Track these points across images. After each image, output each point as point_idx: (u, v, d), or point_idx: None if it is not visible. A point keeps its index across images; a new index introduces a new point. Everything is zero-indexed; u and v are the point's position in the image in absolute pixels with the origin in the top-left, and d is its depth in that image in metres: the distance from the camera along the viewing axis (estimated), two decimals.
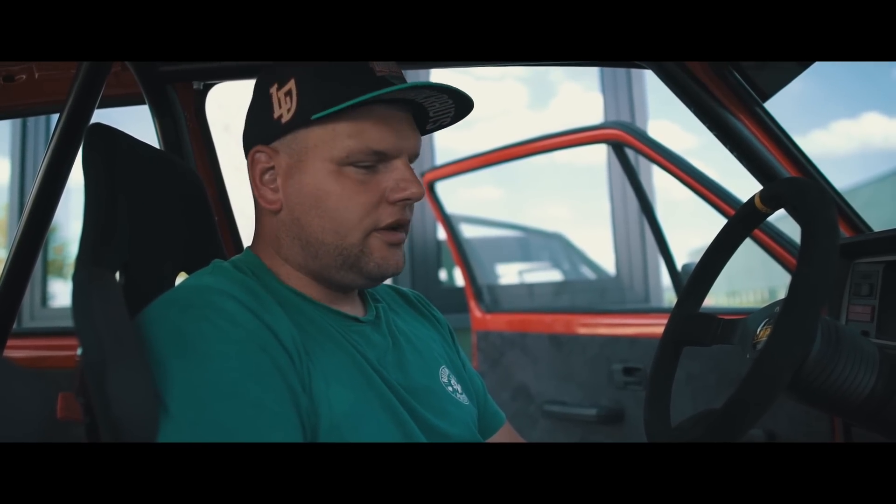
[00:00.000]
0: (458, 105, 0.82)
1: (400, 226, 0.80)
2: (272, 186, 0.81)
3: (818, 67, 1.09)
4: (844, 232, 1.18)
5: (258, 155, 0.81)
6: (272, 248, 0.83)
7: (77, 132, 1.00)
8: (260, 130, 0.81)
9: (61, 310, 3.82)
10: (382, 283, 0.86)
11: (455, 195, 2.78)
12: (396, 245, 0.80)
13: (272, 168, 0.80)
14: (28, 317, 3.69)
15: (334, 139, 0.77)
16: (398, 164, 0.79)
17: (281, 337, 0.71)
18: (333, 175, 0.77)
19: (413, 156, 0.81)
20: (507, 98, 4.29)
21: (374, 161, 0.78)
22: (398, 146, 0.79)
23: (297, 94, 0.77)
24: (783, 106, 1.21)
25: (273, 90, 0.79)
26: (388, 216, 0.78)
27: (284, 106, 0.78)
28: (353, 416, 0.72)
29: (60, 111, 1.00)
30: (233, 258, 0.83)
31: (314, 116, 0.76)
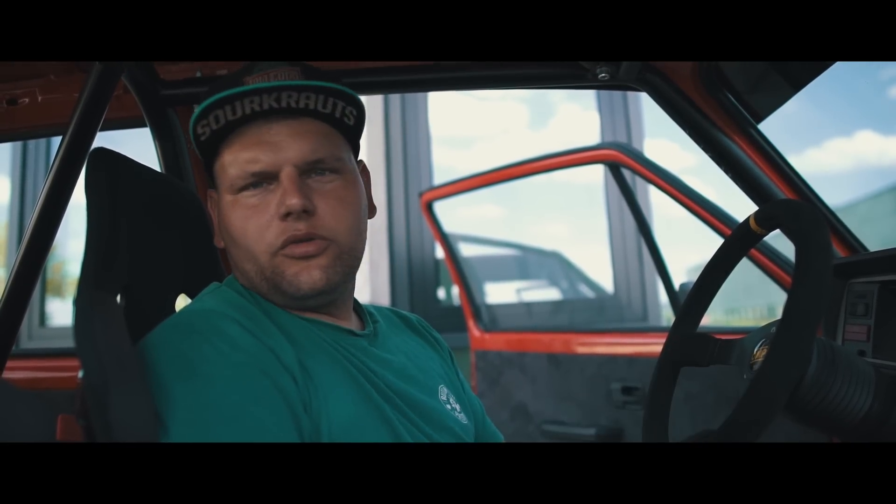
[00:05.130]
0: (344, 98, 0.78)
1: (298, 240, 0.76)
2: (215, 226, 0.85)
3: (812, 87, 1.11)
4: (839, 252, 1.19)
5: (210, 198, 0.87)
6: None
7: (79, 154, 1.00)
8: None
9: (60, 329, 3.81)
10: (309, 301, 0.79)
11: (454, 213, 2.80)
12: (305, 258, 0.77)
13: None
14: (26, 337, 3.68)
15: (222, 171, 0.80)
16: (282, 178, 0.76)
17: (282, 359, 0.71)
18: (231, 205, 0.79)
19: (304, 163, 0.77)
20: (507, 118, 4.33)
21: (260, 181, 0.77)
22: (275, 161, 0.76)
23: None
24: (778, 125, 1.22)
25: None
26: (280, 234, 0.76)
27: None
28: (352, 430, 0.72)
29: (63, 134, 1.01)
30: (227, 279, 0.84)
31: (193, 140, 0.80)
